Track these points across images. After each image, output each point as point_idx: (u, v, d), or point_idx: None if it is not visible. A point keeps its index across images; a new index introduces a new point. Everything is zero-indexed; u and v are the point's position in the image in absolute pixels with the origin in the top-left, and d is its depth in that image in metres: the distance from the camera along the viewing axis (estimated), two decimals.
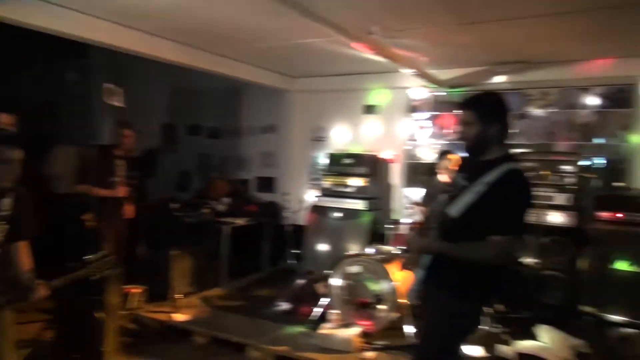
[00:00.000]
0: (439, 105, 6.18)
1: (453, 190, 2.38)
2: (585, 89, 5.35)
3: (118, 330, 3.99)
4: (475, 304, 2.41)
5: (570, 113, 5.45)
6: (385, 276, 3.97)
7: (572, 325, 4.27)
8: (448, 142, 6.04)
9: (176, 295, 4.61)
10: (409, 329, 3.89)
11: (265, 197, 7.12)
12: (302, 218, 6.51)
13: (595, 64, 5.17)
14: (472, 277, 2.26)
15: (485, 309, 4.01)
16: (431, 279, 2.36)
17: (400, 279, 3.93)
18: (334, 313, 4.02)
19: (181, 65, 5.28)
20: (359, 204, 5.82)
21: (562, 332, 3.93)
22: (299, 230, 6.39)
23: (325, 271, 4.55)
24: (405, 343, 3.79)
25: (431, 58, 5.18)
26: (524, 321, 4.35)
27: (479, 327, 3.94)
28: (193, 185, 7.71)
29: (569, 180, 4.75)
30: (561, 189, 4.74)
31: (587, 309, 4.35)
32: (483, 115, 2.30)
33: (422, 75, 5.32)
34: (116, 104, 5.23)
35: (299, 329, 4.20)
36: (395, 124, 6.36)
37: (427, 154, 6.19)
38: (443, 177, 4.92)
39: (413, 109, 6.31)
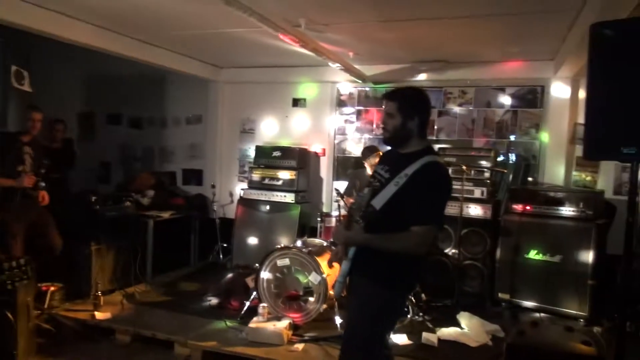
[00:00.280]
0: (365, 100, 6.34)
1: (375, 183, 2.45)
2: (500, 89, 5.72)
3: (32, 331, 3.74)
4: (400, 293, 2.50)
5: (486, 111, 5.80)
6: (315, 268, 4.02)
7: (489, 311, 4.60)
8: (374, 137, 6.22)
9: (97, 293, 4.39)
10: (339, 320, 3.98)
11: (193, 189, 6.95)
12: (231, 211, 6.43)
13: (508, 65, 5.55)
14: (396, 267, 2.33)
15: (410, 298, 4.22)
16: (356, 270, 2.40)
17: (330, 270, 4.01)
18: (264, 306, 4.02)
19: (99, 50, 4.97)
20: (288, 197, 5.85)
21: (479, 318, 4.21)
22: (227, 223, 6.32)
23: (254, 265, 4.54)
24: (335, 334, 3.87)
25: (356, 53, 5.30)
26: (446, 309, 4.62)
27: (404, 315, 4.16)
28: (114, 177, 7.35)
29: (485, 175, 5.08)
30: (478, 183, 5.06)
31: (503, 295, 4.68)
32: (404, 108, 2.37)
33: (348, 70, 5.43)
34: (25, 88, 4.85)
35: (228, 323, 4.16)
36: (323, 118, 6.44)
37: (355, 147, 6.33)
38: (367, 171, 5.09)
39: (341, 103, 6.43)
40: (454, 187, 2.50)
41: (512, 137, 5.66)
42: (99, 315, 4.23)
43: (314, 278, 4.02)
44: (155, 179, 6.44)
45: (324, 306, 4.00)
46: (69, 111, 7.09)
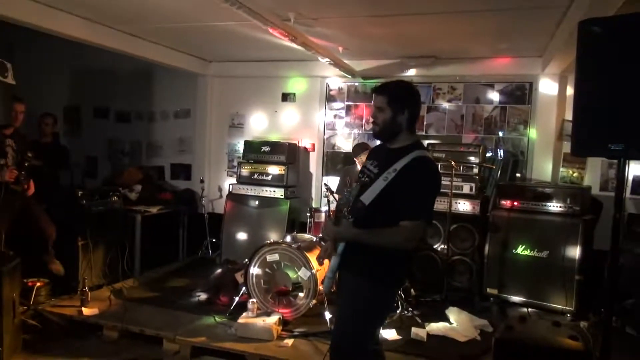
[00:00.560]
0: (354, 95, 6.33)
1: (363, 178, 2.44)
2: (489, 85, 5.75)
3: (18, 328, 3.70)
4: (390, 288, 2.51)
5: (475, 107, 5.83)
6: (304, 264, 4.02)
7: (477, 306, 4.64)
8: (363, 132, 6.22)
9: (84, 288, 4.35)
10: (328, 316, 3.98)
11: (181, 184, 6.90)
12: (220, 206, 6.40)
13: (497, 62, 5.58)
14: (386, 262, 2.34)
15: (399, 293, 4.23)
16: (346, 265, 2.41)
17: (319, 266, 4.01)
18: (253, 302, 4.01)
19: (85, 43, 4.89)
20: (277, 192, 5.84)
21: (468, 313, 4.24)
22: (216, 218, 6.29)
23: (244, 260, 4.52)
24: (324, 329, 3.88)
25: (346, 48, 5.28)
26: (435, 304, 4.65)
27: (393, 311, 4.18)
28: (101, 172, 7.27)
29: (474, 170, 5.11)
30: (467, 179, 5.08)
31: (491, 290, 4.72)
32: (394, 101, 2.37)
33: (338, 64, 5.41)
34: (9, 81, 4.76)
35: (217, 319, 4.14)
36: (313, 113, 6.43)
37: (345, 143, 6.33)
38: (357, 167, 5.09)
39: (330, 98, 6.42)
40: (443, 182, 2.50)
41: (501, 133, 5.69)
42: (86, 311, 4.19)
43: (303, 273, 4.01)
44: (143, 174, 6.38)
45: (314, 302, 4.00)
46: (55, 105, 6.97)
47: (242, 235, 5.92)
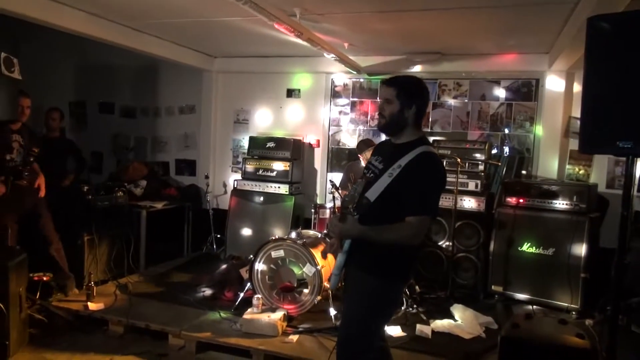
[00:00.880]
0: (359, 92, 6.31)
1: (369, 174, 2.44)
2: (495, 82, 5.72)
3: (24, 322, 3.72)
4: (396, 285, 2.50)
5: (481, 104, 5.80)
6: (309, 260, 4.02)
7: (482, 304, 4.63)
8: (368, 128, 6.21)
9: (90, 283, 4.36)
10: (333, 312, 3.98)
11: (186, 180, 6.91)
12: (225, 202, 6.41)
13: (503, 58, 5.54)
14: (392, 259, 2.33)
15: (405, 290, 4.23)
16: (352, 262, 2.40)
17: (324, 262, 4.01)
18: (258, 298, 4.01)
19: (90, 38, 4.88)
20: (281, 188, 5.84)
21: (473, 310, 4.23)
22: (221, 214, 6.30)
23: (248, 256, 4.53)
24: (329, 325, 3.88)
25: (351, 44, 5.27)
26: (440, 301, 4.64)
27: (399, 307, 4.18)
28: (106, 167, 7.29)
29: (479, 167, 5.09)
30: (472, 175, 5.06)
31: (496, 288, 4.71)
32: (403, 95, 2.36)
33: (343, 60, 5.40)
34: (15, 76, 4.76)
35: (222, 314, 4.15)
36: (318, 109, 6.41)
37: (350, 139, 6.32)
38: (361, 164, 5.08)
39: (335, 94, 6.40)
40: (448, 179, 2.49)
41: (507, 130, 5.67)
42: (92, 306, 4.20)
43: (308, 270, 4.01)
44: (148, 169, 6.39)
45: (319, 298, 4.00)
46: (60, 100, 6.99)
47: (246, 231, 5.93)
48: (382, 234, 2.28)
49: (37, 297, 4.18)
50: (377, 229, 2.29)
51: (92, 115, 7.45)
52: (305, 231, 4.66)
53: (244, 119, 6.77)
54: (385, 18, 4.32)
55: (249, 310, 3.96)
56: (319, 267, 3.95)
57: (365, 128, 6.26)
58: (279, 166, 5.92)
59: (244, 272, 4.51)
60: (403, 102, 2.35)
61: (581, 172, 5.35)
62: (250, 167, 6.06)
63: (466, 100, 5.85)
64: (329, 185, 5.30)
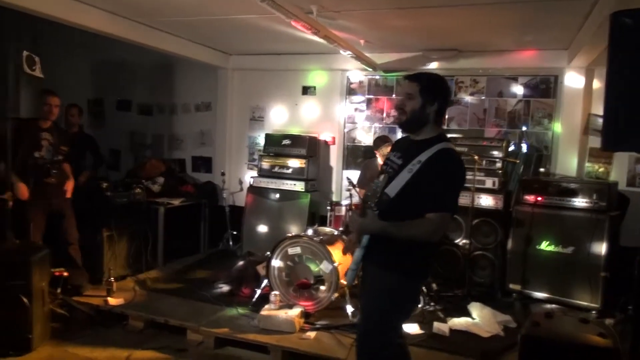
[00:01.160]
0: (375, 89, 6.29)
1: (388, 170, 2.43)
2: (513, 79, 5.66)
3: (47, 316, 3.79)
4: (415, 281, 2.51)
5: (498, 101, 5.75)
6: (326, 257, 4.03)
7: (500, 302, 4.60)
8: (384, 126, 6.19)
9: (109, 279, 4.43)
10: (350, 309, 3.99)
11: (202, 177, 6.97)
12: (241, 199, 6.44)
13: (521, 54, 5.48)
14: (411, 255, 2.33)
15: (422, 287, 4.22)
16: (371, 258, 2.40)
17: (341, 259, 4.02)
18: (275, 294, 4.04)
19: (107, 36, 4.93)
20: (297, 186, 5.85)
21: (491, 309, 4.21)
22: (237, 211, 6.34)
23: (265, 252, 4.55)
24: (346, 322, 3.89)
25: (368, 41, 5.25)
26: (457, 299, 4.62)
27: (418, 304, 4.17)
28: (124, 164, 7.37)
29: (497, 165, 5.04)
30: (490, 173, 5.02)
31: (514, 286, 4.68)
32: (426, 90, 2.35)
33: (359, 58, 5.39)
34: (37, 74, 4.82)
35: (240, 310, 4.19)
36: (333, 106, 6.41)
37: (365, 136, 6.30)
38: (377, 161, 5.06)
39: (351, 91, 6.39)
40: (467, 177, 2.49)
41: (525, 128, 5.61)
42: (112, 301, 4.27)
43: (325, 267, 4.02)
44: (165, 166, 6.45)
45: (336, 295, 4.01)
46: (78, 97, 7.06)
47: (262, 228, 5.96)
48: (402, 230, 2.28)
49: (59, 291, 4.25)
50: (397, 225, 2.29)
51: (109, 113, 7.53)
52: (321, 228, 4.67)
53: (260, 116, 6.80)
54: (402, 15, 4.30)
55: (266, 306, 3.99)
56: (335, 264, 3.96)
57: (380, 125, 6.24)
58: (294, 163, 5.94)
59: (261, 269, 4.54)
60: (425, 98, 2.35)
61: (601, 169, 5.28)
62: (266, 164, 6.08)
63: (483, 97, 5.80)
64: (345, 183, 5.31)
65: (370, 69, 5.94)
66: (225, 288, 4.70)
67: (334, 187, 6.42)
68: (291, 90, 6.58)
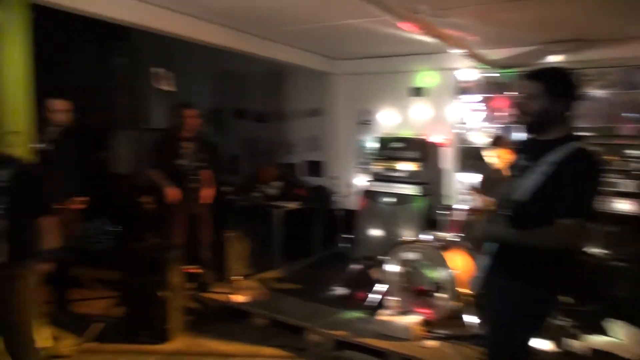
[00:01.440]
0: (490, 87, 6.01)
1: (515, 173, 2.30)
2: None
3: (182, 309, 4.13)
4: (548, 294, 2.34)
5: (632, 94, 5.21)
6: (443, 264, 3.93)
7: None
8: (500, 125, 5.89)
9: (233, 277, 4.70)
10: (470, 319, 3.85)
11: (313, 181, 7.15)
12: (352, 202, 6.51)
13: None
14: (543, 265, 2.19)
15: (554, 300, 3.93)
16: (500, 268, 2.30)
17: (459, 267, 3.89)
18: (393, 300, 4.01)
19: (224, 49, 5.22)
20: (410, 189, 5.75)
21: (634, 327, 3.81)
22: (349, 214, 6.40)
23: (379, 256, 4.55)
24: (468, 333, 3.76)
25: (480, 37, 5.01)
26: (592, 315, 4.24)
27: (549, 318, 3.90)
28: (242, 170, 7.80)
29: (634, 165, 4.57)
30: (627, 174, 4.57)
31: None
32: (551, 89, 2.19)
33: (472, 55, 5.17)
34: (165, 87, 5.27)
35: (356, 314, 4.23)
36: (444, 107, 6.22)
37: (479, 137, 6.05)
38: (493, 163, 4.82)
39: (462, 91, 6.16)
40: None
41: None
42: (237, 298, 4.53)
43: (443, 274, 3.92)
44: (279, 171, 6.72)
45: (455, 303, 3.90)
46: (201, 108, 7.60)
47: (375, 232, 5.95)
48: (530, 237, 2.16)
49: (192, 288, 4.61)
50: (526, 233, 2.17)
51: (228, 121, 8.00)
52: (439, 234, 4.55)
53: (368, 119, 6.81)
54: (517, 7, 4.04)
55: (384, 311, 3.98)
56: (454, 272, 3.85)
57: (495, 125, 5.95)
58: (407, 167, 5.85)
59: (375, 273, 4.55)
60: (552, 96, 2.19)
61: None
62: (378, 168, 6.07)
63: (614, 91, 5.29)
64: (461, 186, 5.13)
65: (484, 67, 5.69)
66: (340, 291, 4.78)
67: (448, 191, 6.23)
68: (399, 92, 6.50)
